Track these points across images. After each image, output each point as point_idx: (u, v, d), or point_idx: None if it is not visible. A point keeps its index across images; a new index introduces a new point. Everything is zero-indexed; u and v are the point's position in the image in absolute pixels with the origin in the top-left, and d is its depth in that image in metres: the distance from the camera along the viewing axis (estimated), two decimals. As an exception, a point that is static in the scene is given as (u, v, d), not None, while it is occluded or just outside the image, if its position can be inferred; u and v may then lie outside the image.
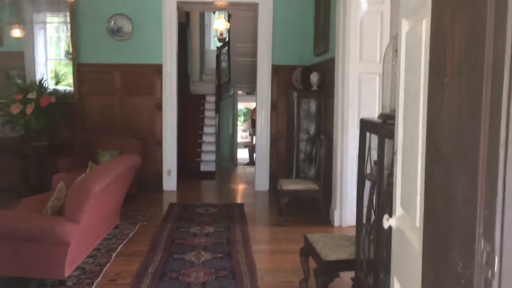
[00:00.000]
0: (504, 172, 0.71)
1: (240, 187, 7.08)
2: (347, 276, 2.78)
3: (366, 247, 2.25)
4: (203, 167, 7.67)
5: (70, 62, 5.89)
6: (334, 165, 4.55)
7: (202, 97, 9.02)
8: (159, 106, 5.95)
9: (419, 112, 1.15)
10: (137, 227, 4.36)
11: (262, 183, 6.11)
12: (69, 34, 5.81)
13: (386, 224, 1.41)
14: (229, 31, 10.01)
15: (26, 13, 5.93)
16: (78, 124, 5.90)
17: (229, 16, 9.65)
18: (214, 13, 10.69)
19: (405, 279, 1.31)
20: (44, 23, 6.14)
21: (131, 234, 4.14)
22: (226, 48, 10.07)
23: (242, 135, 14.94)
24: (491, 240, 0.73)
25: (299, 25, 5.90)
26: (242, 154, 11.32)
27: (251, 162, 9.84)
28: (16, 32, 6.00)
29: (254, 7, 6.09)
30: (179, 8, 6.01)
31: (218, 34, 11.20)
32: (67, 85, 5.99)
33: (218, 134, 9.11)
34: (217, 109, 9.15)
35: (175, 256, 3.64)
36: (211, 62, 10.66)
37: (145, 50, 5.85)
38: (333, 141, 4.60)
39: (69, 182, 3.26)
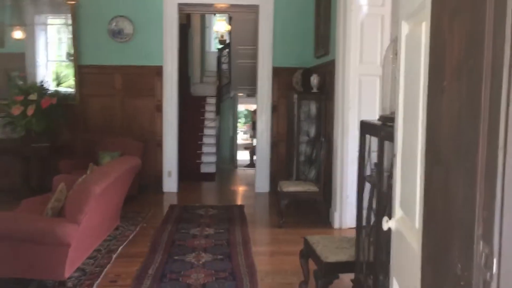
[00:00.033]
0: (502, 174, 0.72)
1: (240, 189, 7.08)
2: (347, 278, 2.78)
3: (366, 249, 2.25)
4: (204, 169, 7.68)
5: (71, 64, 5.90)
6: (334, 167, 4.56)
7: (203, 99, 9.03)
8: (159, 108, 5.96)
9: (418, 114, 1.15)
10: (137, 229, 4.36)
11: (262, 185, 6.11)
12: (70, 35, 5.82)
13: (385, 226, 1.42)
14: (230, 33, 10.04)
15: (27, 14, 5.95)
16: (79, 125, 5.91)
17: (230, 18, 9.67)
18: (215, 15, 10.71)
19: (405, 281, 1.31)
20: (46, 24, 6.16)
21: (131, 236, 4.14)
22: (227, 50, 10.09)
23: (242, 137, 14.94)
24: (490, 242, 0.73)
25: (300, 27, 5.91)
26: (243, 156, 11.32)
27: (252, 164, 9.84)
28: (18, 34, 6.01)
29: (254, 9, 6.11)
30: (180, 10, 6.03)
31: (219, 36, 11.22)
32: (68, 86, 6.00)
33: (218, 136, 9.12)
34: (218, 111, 9.16)
35: (175, 257, 3.64)
36: (212, 64, 10.68)
37: (146, 52, 5.87)
38: (333, 143, 4.61)
39: (70, 183, 3.27)
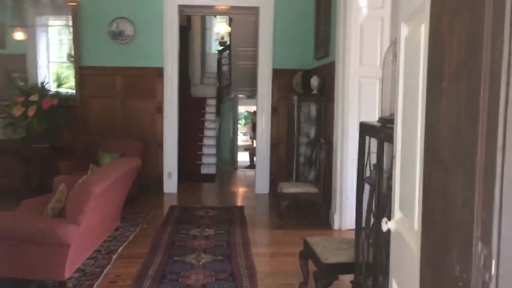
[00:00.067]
0: (501, 176, 0.72)
1: (240, 190, 7.08)
2: (346, 279, 2.78)
3: (366, 250, 2.25)
4: (204, 170, 7.68)
5: (72, 65, 5.91)
6: (334, 169, 4.56)
7: (203, 100, 9.04)
8: (160, 109, 5.96)
9: (417, 116, 1.16)
10: (137, 229, 4.37)
11: (262, 186, 6.12)
12: (71, 37, 5.83)
13: (384, 227, 1.42)
14: (230, 34, 10.05)
15: (28, 16, 5.96)
16: (80, 126, 5.92)
17: (230, 20, 9.69)
18: (216, 16, 10.72)
19: (404, 282, 1.32)
20: (47, 26, 6.17)
21: (131, 236, 4.14)
22: (227, 51, 10.10)
23: (242, 139, 14.95)
24: (489, 243, 0.74)
25: (300, 29, 5.92)
26: (243, 157, 11.32)
27: (252, 165, 9.84)
28: (19, 35, 6.02)
29: (255, 11, 6.12)
30: (180, 12, 6.04)
31: (219, 38, 11.24)
32: (69, 87, 6.01)
33: (218, 137, 9.12)
34: (218, 112, 9.16)
35: (175, 258, 3.64)
36: (212, 65, 10.69)
37: (146, 53, 5.87)
38: (333, 144, 4.61)
39: (70, 184, 3.27)
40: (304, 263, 2.97)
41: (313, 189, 4.66)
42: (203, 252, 3.80)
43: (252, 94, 9.18)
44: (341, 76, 4.42)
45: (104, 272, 3.31)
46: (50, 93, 5.67)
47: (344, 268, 2.60)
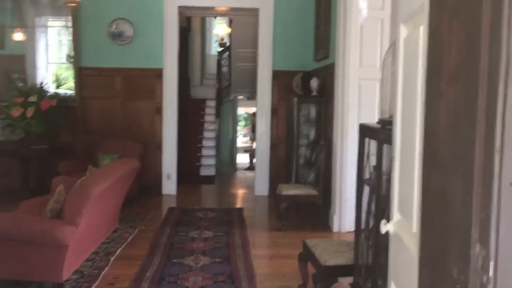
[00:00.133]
0: (499, 177, 0.72)
1: (240, 192, 7.08)
2: (346, 282, 2.78)
3: (365, 253, 2.24)
4: (203, 172, 7.67)
5: (72, 66, 5.91)
6: (334, 170, 4.56)
7: (203, 101, 9.04)
8: (159, 110, 5.96)
9: (416, 117, 1.16)
10: (136, 231, 4.36)
11: (262, 188, 6.11)
12: (70, 38, 5.83)
13: (383, 229, 1.41)
14: (230, 36, 10.06)
15: (28, 17, 5.97)
16: (79, 127, 5.91)
17: (230, 21, 9.70)
18: (215, 18, 10.73)
19: (402, 284, 1.31)
20: (46, 27, 6.18)
21: (130, 238, 4.14)
22: (227, 53, 10.10)
23: (242, 140, 14.94)
24: (487, 244, 0.73)
25: (300, 31, 5.92)
26: (242, 159, 11.32)
27: (251, 167, 9.83)
28: (18, 36, 6.03)
29: (254, 13, 6.12)
30: (180, 13, 6.05)
31: (219, 39, 11.25)
32: (68, 88, 6.02)
33: (218, 139, 9.12)
34: (218, 114, 9.16)
35: (174, 260, 3.63)
36: (212, 66, 10.69)
37: (146, 55, 5.88)
38: (333, 146, 4.61)
39: (69, 185, 3.27)
40: (303, 265, 2.96)
41: (312, 191, 4.66)
42: (202, 254, 3.79)
43: (252, 96, 9.18)
44: (341, 77, 4.42)
45: (102, 274, 3.30)
46: (49, 94, 5.67)
47: (343, 270, 2.59)
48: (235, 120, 10.91)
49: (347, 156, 4.35)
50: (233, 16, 8.69)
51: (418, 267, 1.06)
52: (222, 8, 6.23)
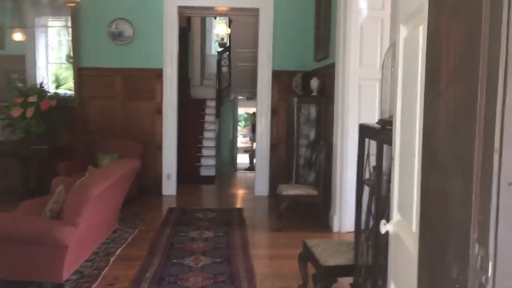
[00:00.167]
0: (498, 177, 0.72)
1: (240, 192, 7.08)
2: (346, 282, 2.78)
3: (365, 253, 2.25)
4: (203, 172, 7.67)
5: (71, 66, 5.91)
6: (334, 171, 4.56)
7: (203, 101, 9.04)
8: (159, 110, 5.96)
9: (416, 117, 1.16)
10: (136, 231, 4.36)
11: (262, 188, 6.11)
12: (70, 38, 5.83)
13: (383, 229, 1.41)
14: (230, 36, 10.06)
15: (27, 17, 5.97)
16: (79, 127, 5.92)
17: (230, 21, 9.70)
18: (215, 18, 10.74)
19: (402, 284, 1.31)
20: (46, 27, 6.18)
21: (129, 238, 4.14)
22: (227, 53, 10.11)
23: (242, 140, 14.94)
24: (485, 245, 0.73)
25: (300, 31, 5.92)
26: (242, 159, 11.32)
27: (251, 167, 9.84)
28: (18, 36, 6.03)
29: (255, 13, 6.12)
30: (180, 13, 6.05)
31: (219, 39, 11.25)
32: (68, 89, 6.02)
33: (218, 139, 9.12)
34: (218, 114, 9.17)
35: (174, 260, 3.63)
36: (212, 66, 10.69)
37: (146, 55, 5.88)
38: (333, 146, 4.61)
39: (69, 185, 3.27)
40: (303, 265, 2.96)
41: (312, 191, 4.65)
42: (202, 254, 3.79)
43: (251, 96, 9.19)
44: (341, 77, 4.42)
45: (102, 274, 3.30)
46: (49, 94, 5.67)
47: (343, 270, 2.59)
48: (235, 120, 10.91)
49: (347, 156, 4.34)
50: (233, 16, 8.69)
51: (417, 267, 1.06)
52: (222, 8, 6.23)
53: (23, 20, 5.96)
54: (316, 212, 4.72)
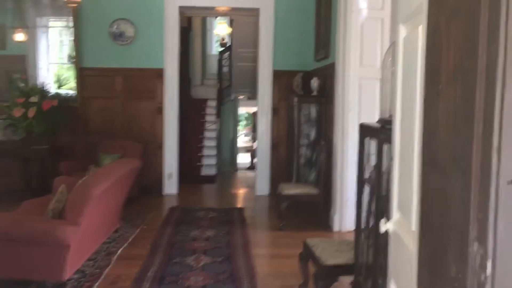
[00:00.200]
0: (497, 176, 0.72)
1: (241, 192, 7.08)
2: (346, 281, 2.78)
3: (365, 252, 2.25)
4: (204, 171, 7.68)
5: (73, 66, 5.92)
6: (334, 170, 4.56)
7: (204, 101, 9.04)
8: (160, 110, 5.97)
9: (415, 117, 1.16)
10: (137, 231, 4.37)
11: (263, 187, 6.12)
12: (71, 38, 5.85)
13: (383, 228, 1.42)
14: (230, 36, 10.06)
15: (29, 17, 5.98)
16: (80, 127, 5.93)
17: (231, 21, 9.70)
18: (216, 18, 10.74)
19: (402, 283, 1.32)
20: (47, 27, 6.19)
21: (131, 238, 4.15)
22: (228, 53, 10.11)
23: (243, 140, 14.94)
24: (484, 243, 0.74)
25: (300, 31, 5.93)
26: (243, 159, 11.32)
27: (252, 166, 9.84)
28: (19, 36, 6.04)
29: (255, 13, 6.13)
30: (181, 13, 6.05)
31: (220, 39, 11.25)
32: (69, 89, 6.03)
33: (219, 139, 9.13)
34: (218, 114, 9.17)
35: (175, 259, 3.64)
36: (213, 66, 10.70)
37: (147, 55, 5.89)
38: (333, 146, 4.61)
39: (71, 185, 3.27)
40: (304, 264, 2.97)
41: (313, 191, 4.66)
42: (203, 254, 3.80)
43: (252, 96, 9.18)
44: (341, 77, 4.42)
45: (104, 273, 3.31)
46: (50, 94, 5.68)
47: (343, 269, 2.60)
48: (236, 120, 10.90)
49: (348, 155, 4.35)
50: (234, 16, 8.69)
51: (417, 266, 1.07)
52: (222, 8, 6.23)
53: (24, 20, 5.97)
54: (316, 212, 4.72)
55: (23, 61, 6.08)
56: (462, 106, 0.82)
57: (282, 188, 4.74)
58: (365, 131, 2.25)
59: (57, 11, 5.89)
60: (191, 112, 8.11)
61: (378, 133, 1.96)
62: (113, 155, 5.30)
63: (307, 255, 2.91)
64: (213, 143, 8.33)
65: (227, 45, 10.56)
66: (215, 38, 11.74)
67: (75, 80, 5.88)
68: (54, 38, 6.27)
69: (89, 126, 5.95)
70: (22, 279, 3.00)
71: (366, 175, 2.25)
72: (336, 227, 4.52)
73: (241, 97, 10.42)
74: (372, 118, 3.10)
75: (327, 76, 5.00)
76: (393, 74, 1.65)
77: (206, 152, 8.05)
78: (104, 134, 5.84)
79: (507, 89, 0.70)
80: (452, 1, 0.91)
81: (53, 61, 6.26)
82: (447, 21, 0.92)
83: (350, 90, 4.35)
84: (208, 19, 10.82)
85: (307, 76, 5.51)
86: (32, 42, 6.08)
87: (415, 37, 1.19)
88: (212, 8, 6.28)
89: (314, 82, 5.20)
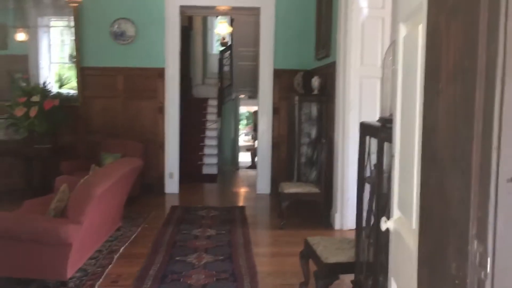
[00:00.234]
0: (496, 174, 0.73)
1: (242, 190, 7.09)
2: (347, 279, 2.79)
3: (366, 250, 2.26)
4: (205, 170, 7.69)
5: (74, 66, 5.93)
6: (335, 169, 4.56)
7: (205, 100, 9.05)
8: (161, 110, 5.98)
9: (415, 115, 1.17)
10: (139, 229, 4.38)
11: (264, 186, 6.12)
12: (73, 38, 5.85)
13: (383, 226, 1.43)
14: (231, 35, 10.06)
15: (30, 17, 5.99)
16: (82, 127, 5.94)
17: (232, 20, 9.70)
18: (217, 17, 10.74)
19: (402, 280, 1.32)
20: (48, 27, 6.20)
21: (133, 236, 4.16)
22: (229, 52, 10.11)
23: (244, 139, 14.94)
24: (484, 241, 0.74)
25: (301, 29, 5.93)
26: (244, 158, 11.33)
27: (253, 165, 9.84)
28: (21, 36, 6.05)
29: (256, 12, 6.13)
30: (182, 12, 6.06)
31: (221, 38, 11.26)
32: (70, 88, 6.04)
33: (220, 138, 9.14)
34: (219, 113, 9.18)
35: (177, 258, 3.65)
36: (214, 66, 10.70)
37: (148, 54, 5.89)
38: (334, 144, 4.62)
39: (72, 184, 3.29)
40: (305, 263, 2.98)
41: (314, 189, 4.67)
42: (204, 252, 3.81)
43: (253, 95, 9.19)
44: (342, 76, 4.42)
45: (106, 272, 3.32)
46: (52, 93, 5.69)
47: (344, 267, 2.61)
48: (237, 119, 10.90)
49: (348, 154, 4.35)
50: (235, 15, 8.69)
51: (417, 263, 1.07)
52: (223, 7, 6.24)
53: (25, 20, 5.98)
54: (317, 210, 4.73)
55: (24, 61, 6.09)
56: (462, 105, 0.83)
57: (283, 187, 4.75)
58: (365, 129, 2.26)
59: (58, 10, 5.90)
60: (192, 111, 8.12)
61: (379, 131, 1.97)
62: (114, 154, 5.31)
63: (308, 254, 2.92)
64: (214, 142, 8.34)
65: (228, 44, 10.56)
66: (215, 37, 11.75)
67: (77, 80, 5.89)
68: (56, 37, 6.28)
69: (91, 125, 5.96)
70: (24, 278, 3.01)
71: (367, 173, 2.26)
72: (337, 225, 4.53)
73: (242, 96, 10.42)
74: (373, 116, 3.11)
75: (328, 75, 5.00)
76: (394, 73, 1.66)
77: (207, 151, 8.06)
78: (106, 133, 5.85)
79: (507, 88, 0.71)
80: (451, 0, 0.91)
81: (55, 60, 6.27)
82: (447, 21, 0.93)
83: (351, 89, 4.35)
84: (208, 18, 10.83)
85: (308, 75, 5.51)
86: (33, 42, 6.09)
87: (415, 35, 1.20)
88: (212, 7, 6.28)
89: (315, 81, 5.21)
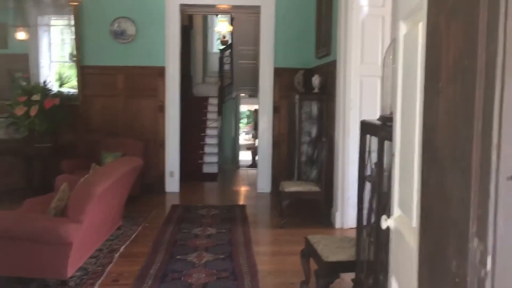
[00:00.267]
0: (496, 172, 0.73)
1: (242, 189, 7.10)
2: (347, 277, 2.79)
3: (367, 249, 2.26)
4: (206, 169, 7.70)
5: (74, 65, 5.93)
6: (336, 167, 4.57)
7: (205, 99, 9.05)
8: (162, 108, 5.98)
9: (416, 114, 1.17)
10: (139, 228, 4.38)
11: (264, 185, 6.13)
12: (73, 36, 5.85)
13: (384, 225, 1.43)
14: (231, 34, 10.06)
15: (30, 16, 5.99)
16: (82, 126, 5.94)
17: (232, 19, 9.70)
18: (217, 16, 10.74)
19: (403, 279, 1.33)
20: (49, 26, 6.20)
21: (133, 235, 4.16)
22: (229, 50, 10.11)
23: (245, 138, 14.95)
24: (484, 239, 0.74)
25: (301, 28, 5.93)
26: (245, 156, 11.33)
27: (254, 164, 9.85)
28: (21, 35, 6.05)
29: (256, 10, 6.12)
30: (182, 11, 6.05)
31: (221, 37, 11.25)
32: (71, 87, 6.04)
33: (220, 136, 9.14)
34: (220, 111, 9.18)
35: (177, 257, 3.66)
36: (214, 64, 10.70)
37: (148, 53, 5.89)
38: (335, 143, 4.62)
39: (73, 183, 3.29)
40: (306, 261, 2.98)
41: (315, 188, 4.67)
42: (205, 251, 3.82)
43: (254, 93, 9.19)
44: (342, 74, 4.42)
45: (106, 270, 3.33)
46: (52, 92, 5.69)
47: (345, 266, 2.61)
48: (237, 117, 10.90)
49: (349, 153, 4.35)
50: (235, 13, 8.69)
51: (418, 262, 1.08)
52: (223, 6, 6.23)
53: (26, 19, 5.98)
54: (318, 209, 4.73)
55: (25, 60, 6.09)
56: (462, 104, 0.83)
57: (284, 185, 4.75)
58: (366, 128, 2.26)
59: (59, 9, 5.90)
60: (192, 110, 8.12)
61: (379, 130, 1.97)
62: (115, 153, 5.31)
63: (308, 252, 2.92)
64: (214, 141, 8.34)
65: (228, 43, 10.56)
66: (216, 36, 11.74)
67: (77, 79, 5.89)
68: (56, 36, 6.28)
69: (91, 124, 5.96)
70: (25, 277, 3.02)
71: (367, 172, 2.26)
72: (337, 224, 4.53)
73: (242, 94, 10.42)
74: (373, 115, 3.10)
75: (328, 73, 5.00)
76: (394, 71, 1.66)
77: (207, 150, 8.06)
78: (106, 132, 5.86)
79: (506, 88, 0.71)
80: (451, 0, 0.91)
81: (55, 59, 6.27)
82: (447, 20, 0.93)
83: (351, 88, 4.35)
84: (209, 17, 10.82)
85: (308, 73, 5.51)
86: (33, 41, 6.09)
87: (415, 34, 1.20)
88: (213, 6, 6.28)
89: (315, 80, 5.21)
